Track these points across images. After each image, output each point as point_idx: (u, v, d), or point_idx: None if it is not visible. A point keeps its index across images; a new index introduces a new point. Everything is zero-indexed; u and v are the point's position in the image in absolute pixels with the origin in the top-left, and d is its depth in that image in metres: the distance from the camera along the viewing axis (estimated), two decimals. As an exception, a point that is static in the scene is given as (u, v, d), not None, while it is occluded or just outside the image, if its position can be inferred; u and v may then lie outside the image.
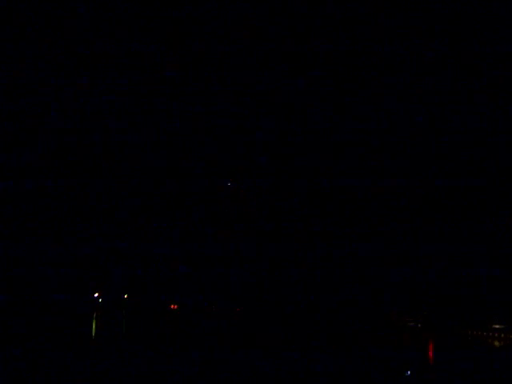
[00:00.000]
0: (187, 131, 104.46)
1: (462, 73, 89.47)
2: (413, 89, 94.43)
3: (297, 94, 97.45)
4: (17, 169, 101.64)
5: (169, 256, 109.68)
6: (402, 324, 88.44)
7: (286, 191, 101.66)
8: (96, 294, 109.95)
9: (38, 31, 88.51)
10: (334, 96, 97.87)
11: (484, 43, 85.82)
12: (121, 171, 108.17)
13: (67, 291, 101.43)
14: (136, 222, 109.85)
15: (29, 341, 47.81)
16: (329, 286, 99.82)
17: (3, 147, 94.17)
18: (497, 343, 70.22)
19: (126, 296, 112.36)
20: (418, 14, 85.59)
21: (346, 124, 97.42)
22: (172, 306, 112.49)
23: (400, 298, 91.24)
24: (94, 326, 75.49)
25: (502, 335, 73.69)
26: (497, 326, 76.25)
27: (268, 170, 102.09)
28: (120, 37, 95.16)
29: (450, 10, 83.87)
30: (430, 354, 57.76)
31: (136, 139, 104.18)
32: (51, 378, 28.56)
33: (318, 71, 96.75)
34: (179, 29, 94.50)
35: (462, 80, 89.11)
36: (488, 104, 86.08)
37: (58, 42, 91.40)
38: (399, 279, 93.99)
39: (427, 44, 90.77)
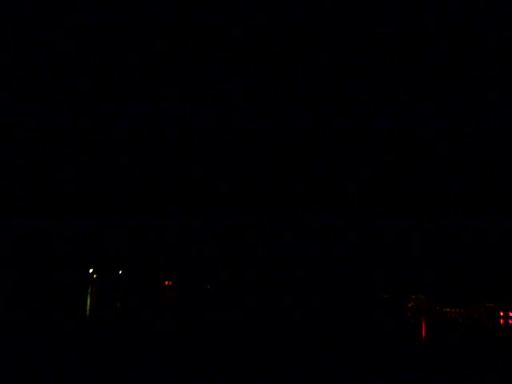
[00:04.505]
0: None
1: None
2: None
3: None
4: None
5: (164, 233, 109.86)
6: (397, 304, 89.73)
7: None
8: (91, 270, 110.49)
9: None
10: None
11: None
12: (116, 158, 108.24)
13: (63, 267, 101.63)
14: (130, 200, 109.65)
15: (25, 314, 47.98)
16: (334, 275, 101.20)
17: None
18: (485, 320, 71.42)
19: (120, 272, 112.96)
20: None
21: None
22: (166, 283, 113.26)
23: (395, 282, 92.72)
24: (88, 301, 75.89)
25: (492, 312, 75.06)
26: (488, 304, 77.48)
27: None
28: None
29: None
30: (423, 330, 58.69)
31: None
32: (48, 353, 28.81)
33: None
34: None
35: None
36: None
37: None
38: (395, 266, 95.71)
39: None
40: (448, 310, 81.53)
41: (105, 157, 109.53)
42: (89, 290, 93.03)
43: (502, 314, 76.06)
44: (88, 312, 58.19)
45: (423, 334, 54.27)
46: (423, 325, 64.86)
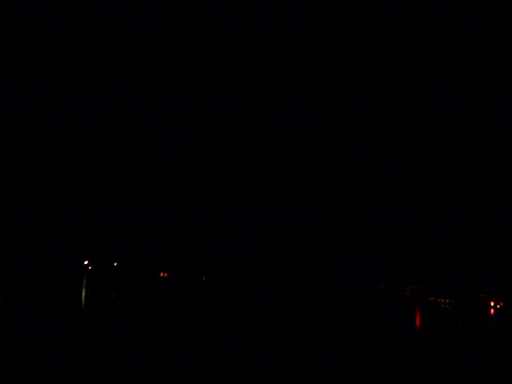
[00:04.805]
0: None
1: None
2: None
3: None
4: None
5: (158, 226, 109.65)
6: (394, 294, 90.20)
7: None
8: (86, 262, 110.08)
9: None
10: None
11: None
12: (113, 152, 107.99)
13: (58, 258, 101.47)
14: (126, 193, 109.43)
15: (21, 307, 47.85)
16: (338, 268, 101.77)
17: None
18: (478, 309, 72.02)
19: (115, 264, 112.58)
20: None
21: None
22: (161, 274, 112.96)
23: (390, 274, 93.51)
24: (83, 293, 75.74)
25: (485, 302, 75.63)
26: (482, 295, 77.87)
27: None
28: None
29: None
30: (417, 319, 58.99)
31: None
32: (44, 344, 28.72)
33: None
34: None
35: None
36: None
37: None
38: (391, 257, 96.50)
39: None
40: (443, 300, 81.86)
41: (102, 148, 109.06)
42: (84, 282, 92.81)
43: (492, 303, 76.61)
44: (83, 304, 58.11)
45: (418, 323, 54.51)
46: (418, 315, 65.15)
